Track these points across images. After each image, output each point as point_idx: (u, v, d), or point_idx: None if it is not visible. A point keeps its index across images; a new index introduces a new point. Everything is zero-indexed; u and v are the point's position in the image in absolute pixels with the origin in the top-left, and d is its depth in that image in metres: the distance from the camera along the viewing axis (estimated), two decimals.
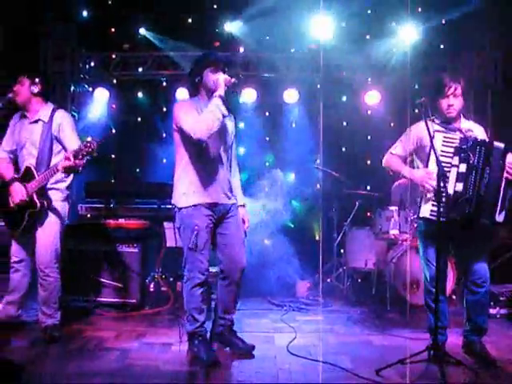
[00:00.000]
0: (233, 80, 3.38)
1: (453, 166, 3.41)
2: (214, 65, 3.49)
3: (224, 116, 3.37)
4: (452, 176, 3.40)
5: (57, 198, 3.97)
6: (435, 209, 3.30)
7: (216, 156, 3.49)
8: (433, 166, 3.38)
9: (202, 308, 3.51)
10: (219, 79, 3.39)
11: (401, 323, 4.56)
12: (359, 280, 6.08)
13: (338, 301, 5.58)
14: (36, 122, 3.97)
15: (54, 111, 3.99)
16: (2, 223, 4.21)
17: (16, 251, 4.07)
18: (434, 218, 3.35)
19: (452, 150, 3.41)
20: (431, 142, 3.30)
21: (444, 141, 3.43)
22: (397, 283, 5.10)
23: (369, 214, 6.37)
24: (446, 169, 3.36)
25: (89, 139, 3.55)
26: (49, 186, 3.92)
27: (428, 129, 3.29)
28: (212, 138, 3.40)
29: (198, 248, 3.40)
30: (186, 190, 3.46)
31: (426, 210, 3.45)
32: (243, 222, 3.72)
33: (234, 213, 3.60)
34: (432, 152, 3.35)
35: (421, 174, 3.51)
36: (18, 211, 3.87)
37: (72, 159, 3.55)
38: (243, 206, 3.78)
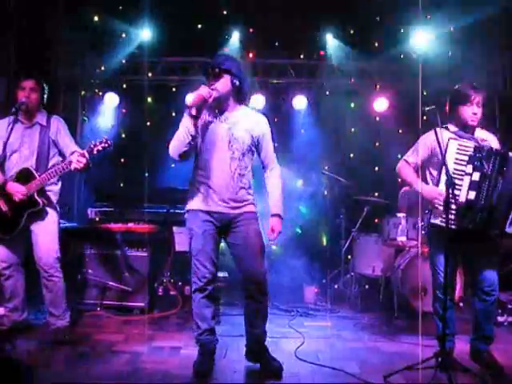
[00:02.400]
0: (186, 102, 3.26)
1: (466, 174, 3.41)
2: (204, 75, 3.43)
3: (194, 137, 3.26)
4: (465, 184, 3.41)
5: (51, 200, 4.02)
6: (445, 216, 3.31)
7: (217, 164, 3.36)
8: (445, 177, 3.38)
9: (203, 315, 3.41)
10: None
11: (408, 330, 4.56)
12: (366, 286, 6.08)
13: (346, 307, 5.60)
14: (33, 126, 4.02)
15: (49, 116, 4.08)
16: None
17: (4, 257, 3.98)
18: (444, 224, 3.34)
19: (466, 158, 3.42)
20: (440, 149, 3.31)
21: (458, 148, 3.44)
22: (404, 290, 5.09)
23: (376, 220, 6.37)
24: (459, 176, 3.39)
25: (104, 137, 3.82)
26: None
27: (437, 138, 3.30)
28: (211, 146, 3.36)
29: (193, 253, 3.39)
30: (189, 195, 3.47)
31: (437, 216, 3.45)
32: (272, 230, 3.48)
33: (244, 223, 3.39)
34: (445, 163, 3.35)
35: (432, 194, 3.46)
36: (14, 213, 3.87)
37: (87, 155, 3.73)
38: (275, 215, 3.51)
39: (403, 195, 6.16)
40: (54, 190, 4.05)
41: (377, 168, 7.61)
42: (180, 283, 5.19)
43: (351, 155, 7.65)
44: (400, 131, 7.39)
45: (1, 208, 3.90)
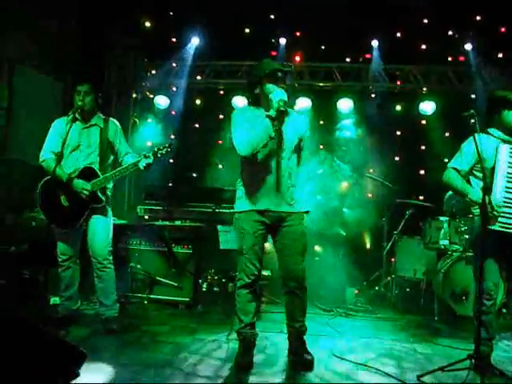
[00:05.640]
0: (281, 108, 3.31)
1: None
2: (270, 76, 3.48)
3: (272, 138, 3.37)
4: None
5: (109, 197, 4.28)
6: (504, 220, 3.36)
7: (269, 163, 3.46)
8: (500, 182, 3.42)
9: (246, 310, 3.53)
10: (273, 100, 3.37)
11: (448, 333, 4.57)
12: (407, 289, 6.08)
13: (386, 309, 5.64)
14: (91, 126, 4.27)
15: (106, 119, 4.34)
16: None
17: (64, 249, 4.21)
18: (503, 229, 3.36)
19: None
20: (479, 155, 3.32)
21: (511, 152, 3.45)
22: (445, 294, 5.08)
23: (419, 223, 6.36)
24: (509, 180, 3.41)
25: (168, 143, 4.17)
26: None
27: (476, 144, 3.32)
28: (263, 148, 3.45)
29: (244, 251, 3.52)
30: (240, 196, 3.59)
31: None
32: None
33: (293, 223, 3.51)
34: (498, 168, 3.39)
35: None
36: (75, 209, 4.11)
37: (152, 157, 4.06)
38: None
39: (449, 199, 6.12)
40: (110, 187, 4.30)
41: (422, 171, 7.58)
42: (223, 280, 5.35)
43: (396, 158, 7.65)
44: (447, 134, 7.35)
45: (62, 203, 4.15)
